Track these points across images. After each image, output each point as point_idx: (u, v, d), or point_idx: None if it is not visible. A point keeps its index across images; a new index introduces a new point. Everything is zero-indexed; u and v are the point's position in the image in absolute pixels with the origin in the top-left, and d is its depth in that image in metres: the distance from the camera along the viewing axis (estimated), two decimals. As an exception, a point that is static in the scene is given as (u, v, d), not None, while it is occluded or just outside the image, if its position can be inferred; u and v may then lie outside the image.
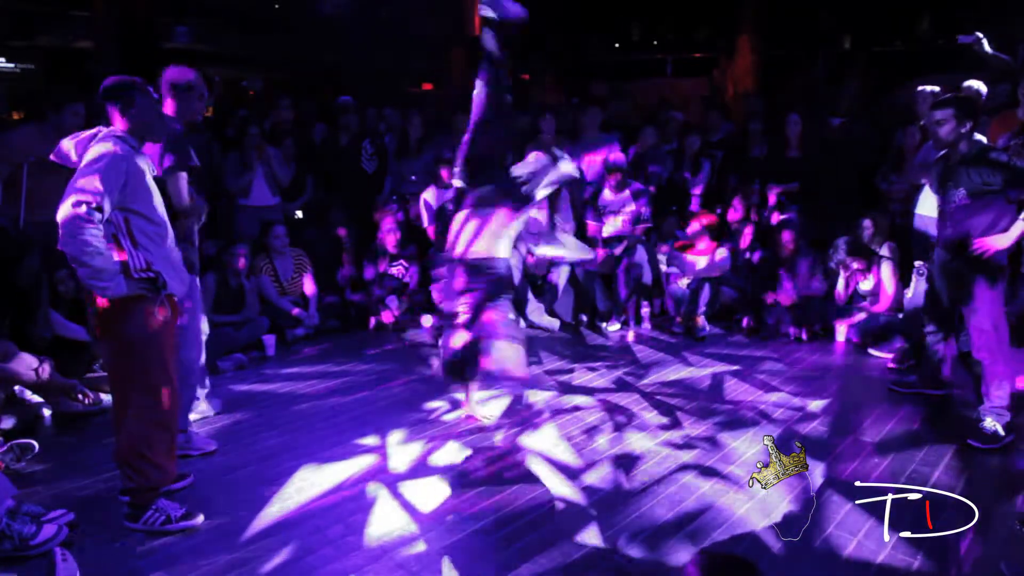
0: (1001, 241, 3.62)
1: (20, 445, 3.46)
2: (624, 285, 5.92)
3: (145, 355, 2.86)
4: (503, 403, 4.28)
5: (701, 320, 5.69)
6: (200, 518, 2.97)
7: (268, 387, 4.62)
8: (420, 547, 2.81)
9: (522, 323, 6.00)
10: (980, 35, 4.83)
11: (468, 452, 3.66)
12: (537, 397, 4.39)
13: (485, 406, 4.17)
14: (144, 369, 2.87)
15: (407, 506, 3.12)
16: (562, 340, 5.65)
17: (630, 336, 5.76)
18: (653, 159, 6.73)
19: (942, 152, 3.89)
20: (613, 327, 5.89)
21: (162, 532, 2.89)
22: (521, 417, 4.09)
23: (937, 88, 5.01)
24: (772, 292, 5.70)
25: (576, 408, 4.22)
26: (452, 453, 3.65)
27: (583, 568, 2.67)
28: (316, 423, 4.03)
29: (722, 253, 5.88)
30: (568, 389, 4.55)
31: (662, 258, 6.13)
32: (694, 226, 5.95)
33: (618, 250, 6.00)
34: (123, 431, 2.90)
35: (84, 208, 2.56)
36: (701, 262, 5.90)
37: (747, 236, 6.11)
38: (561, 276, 5.96)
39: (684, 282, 5.87)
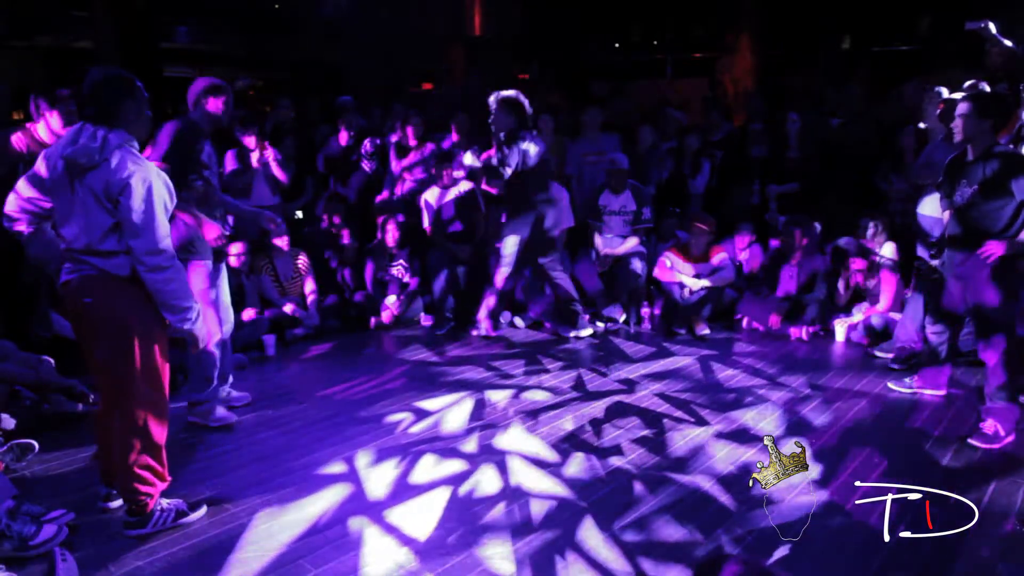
0: (1008, 246, 3.61)
1: (20, 445, 3.45)
2: (623, 285, 5.91)
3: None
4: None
5: (702, 320, 5.68)
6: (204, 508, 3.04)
7: (267, 388, 4.62)
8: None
9: (521, 323, 6.01)
10: (989, 22, 4.76)
11: (451, 461, 3.54)
12: (535, 396, 4.39)
13: None
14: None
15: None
16: (559, 339, 5.65)
17: (629, 336, 5.76)
18: (652, 159, 6.72)
19: (954, 152, 3.87)
20: (613, 327, 5.88)
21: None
22: (514, 418, 4.09)
23: (944, 89, 4.97)
24: (767, 292, 5.70)
25: (573, 406, 4.22)
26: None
27: (592, 569, 2.68)
28: (317, 423, 4.03)
29: (722, 255, 5.85)
30: (565, 388, 4.54)
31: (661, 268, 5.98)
32: (698, 240, 5.81)
33: (618, 250, 6.00)
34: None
35: None
36: (701, 275, 5.85)
37: (742, 239, 6.15)
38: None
39: (688, 282, 5.83)
